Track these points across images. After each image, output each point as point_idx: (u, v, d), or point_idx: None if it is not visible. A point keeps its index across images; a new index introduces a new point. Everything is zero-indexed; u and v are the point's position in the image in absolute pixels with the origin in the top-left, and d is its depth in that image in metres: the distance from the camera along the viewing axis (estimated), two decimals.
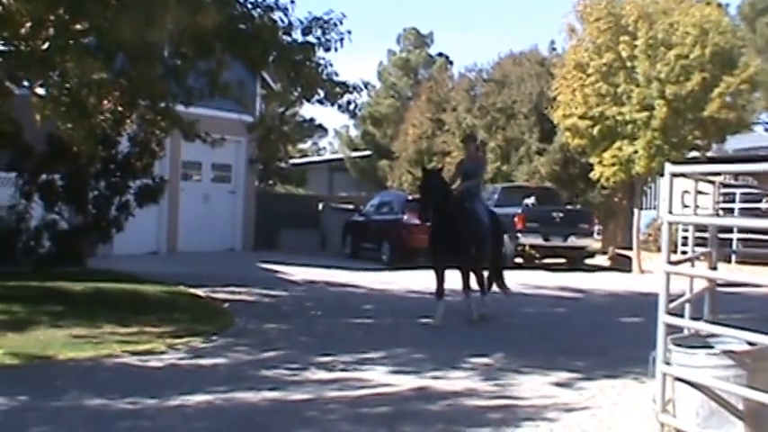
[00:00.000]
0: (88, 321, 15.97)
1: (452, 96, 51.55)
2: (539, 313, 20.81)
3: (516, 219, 33.54)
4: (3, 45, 17.88)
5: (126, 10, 16.41)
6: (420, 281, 25.30)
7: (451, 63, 64.77)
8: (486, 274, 19.14)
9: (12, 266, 21.93)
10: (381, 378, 12.50)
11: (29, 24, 17.21)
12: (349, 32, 19.75)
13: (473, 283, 18.54)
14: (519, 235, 33.47)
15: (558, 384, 12.25)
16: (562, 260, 33.82)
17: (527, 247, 33.57)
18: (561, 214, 34.54)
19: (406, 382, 12.18)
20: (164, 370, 12.17)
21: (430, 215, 17.89)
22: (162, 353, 13.92)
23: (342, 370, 13.02)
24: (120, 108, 19.74)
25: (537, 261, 33.38)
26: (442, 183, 18.45)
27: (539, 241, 33.61)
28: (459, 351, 14.42)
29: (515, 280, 26.33)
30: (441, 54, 67.16)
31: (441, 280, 18.04)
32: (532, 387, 12.02)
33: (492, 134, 46.21)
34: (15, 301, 17.74)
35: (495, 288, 19.64)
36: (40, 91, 19.10)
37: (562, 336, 17.10)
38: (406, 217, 32.83)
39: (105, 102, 19.30)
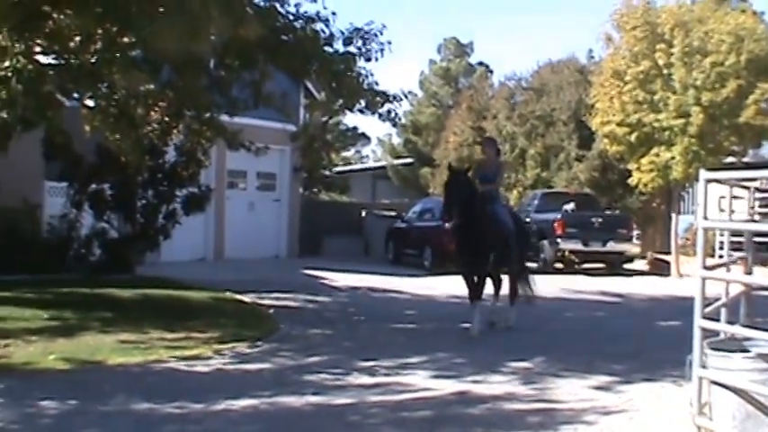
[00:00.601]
0: (136, 327, 16.02)
1: (492, 104, 51.53)
2: (578, 317, 20.75)
3: (556, 224, 33.56)
4: (53, 59, 17.95)
5: (171, 23, 16.45)
6: (461, 286, 25.24)
7: (491, 72, 64.69)
8: (507, 279, 18.42)
9: (64, 274, 22.03)
10: (423, 382, 12.49)
11: (78, 38, 17.30)
12: (389, 43, 19.76)
13: (485, 288, 17.88)
14: (559, 240, 33.44)
15: (597, 388, 12.22)
16: (601, 265, 33.73)
17: (567, 253, 33.50)
18: (600, 219, 34.46)
19: (447, 387, 12.16)
20: (210, 375, 12.19)
21: (453, 216, 17.15)
22: (208, 358, 13.96)
23: (384, 375, 13.02)
24: (166, 119, 19.82)
25: (576, 266, 33.29)
26: (468, 183, 17.38)
27: (578, 246, 33.54)
28: (499, 355, 14.40)
29: (556, 284, 26.42)
30: (481, 63, 67.08)
31: (472, 284, 17.40)
32: (571, 390, 11.99)
33: (532, 141, 46.20)
34: (67, 307, 17.82)
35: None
36: (90, 103, 19.22)
37: (601, 340, 17.01)
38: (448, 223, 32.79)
39: (152, 113, 19.41)
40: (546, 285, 25.96)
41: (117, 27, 17.39)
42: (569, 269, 33.01)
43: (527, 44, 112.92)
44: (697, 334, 8.85)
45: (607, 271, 33.18)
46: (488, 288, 17.87)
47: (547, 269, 33.01)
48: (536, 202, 36.80)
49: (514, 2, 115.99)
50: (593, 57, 46.63)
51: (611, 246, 33.90)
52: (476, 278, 17.41)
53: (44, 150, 22.30)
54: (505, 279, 18.51)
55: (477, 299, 17.14)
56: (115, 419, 10.31)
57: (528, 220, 34.93)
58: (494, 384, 12.35)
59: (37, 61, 16.72)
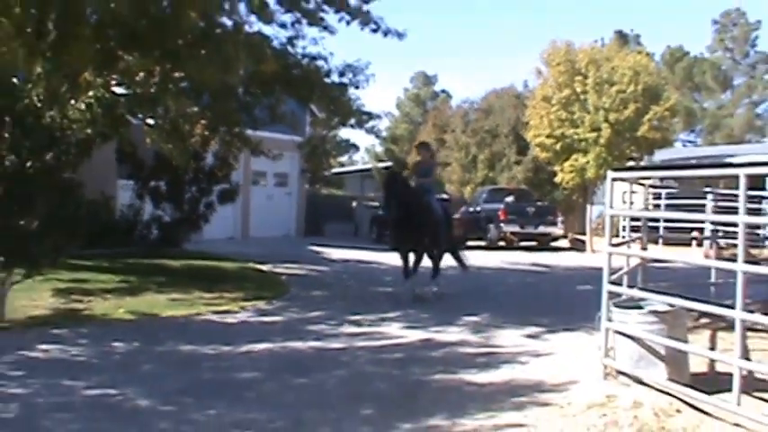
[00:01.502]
0: (182, 289, 16.11)
1: (451, 121, 51.55)
2: (515, 283, 20.83)
3: (500, 212, 33.62)
4: (124, 89, 18.08)
5: (210, 62, 16.60)
6: (426, 260, 25.39)
7: (451, 97, 65.15)
8: (441, 256, 17.31)
9: (130, 249, 22.10)
10: (397, 332, 12.61)
11: (142, 74, 17.42)
12: (373, 75, 19.93)
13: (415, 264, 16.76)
14: (501, 224, 33.54)
15: (529, 336, 12.36)
16: (534, 243, 33.76)
17: (508, 234, 33.59)
18: (533, 209, 34.50)
19: (415, 335, 12.31)
20: (236, 325, 12.35)
21: (392, 209, 16.26)
22: (236, 312, 14.07)
23: (368, 326, 13.12)
24: (206, 132, 19.91)
25: (515, 244, 33.35)
26: (402, 181, 16.88)
27: (516, 229, 33.57)
28: (455, 312, 14.47)
29: (499, 258, 26.52)
30: (443, 91, 67.46)
31: (406, 261, 16.38)
32: (509, 339, 12.10)
33: (481, 149, 46.36)
34: (132, 273, 17.92)
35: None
36: (150, 121, 19.40)
37: (532, 299, 17.11)
38: None
39: (195, 128, 19.49)
40: (491, 258, 26.18)
41: (170, 65, 17.54)
42: (510, 246, 33.04)
43: (477, 76, 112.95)
44: (605, 295, 9.00)
45: (538, 248, 33.25)
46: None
47: (492, 246, 33.14)
48: (484, 195, 36.91)
49: (469, 44, 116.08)
50: (527, 86, 46.73)
51: (542, 228, 33.97)
52: (409, 257, 16.42)
53: (117, 156, 22.39)
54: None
55: (408, 275, 16.33)
56: (167, 357, 10.48)
57: (479, 209, 35.17)
58: (451, 334, 12.48)
59: (112, 91, 16.83)
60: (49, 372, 9.37)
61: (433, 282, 16.90)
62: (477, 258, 26.05)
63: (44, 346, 10.80)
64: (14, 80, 12.92)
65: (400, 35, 19.71)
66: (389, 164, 58.82)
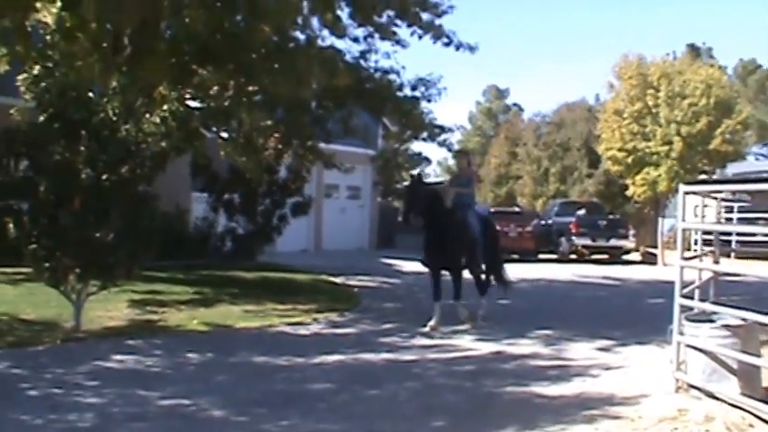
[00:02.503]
0: (256, 300, 16.17)
1: (523, 135, 51.65)
2: (587, 296, 20.60)
3: (571, 225, 33.48)
4: (199, 103, 18.23)
5: (284, 75, 16.66)
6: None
7: (522, 110, 64.91)
8: (483, 276, 15.50)
9: (204, 260, 22.26)
10: (468, 344, 12.54)
11: (216, 88, 17.55)
12: (445, 88, 19.90)
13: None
14: (573, 237, 33.35)
15: (600, 349, 12.22)
16: (605, 256, 33.48)
17: (579, 247, 33.38)
18: (605, 222, 34.26)
19: (487, 348, 12.22)
20: (309, 336, 12.35)
21: (410, 219, 14.87)
22: (308, 324, 14.09)
23: (439, 338, 13.08)
24: (279, 146, 20.01)
25: (586, 257, 33.11)
26: (430, 192, 14.94)
27: (588, 242, 33.38)
28: (526, 325, 14.35)
29: (570, 271, 26.31)
30: (515, 104, 67.19)
31: (435, 280, 14.87)
32: (581, 351, 11.99)
33: (553, 162, 46.28)
34: (206, 285, 18.03)
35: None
36: (224, 134, 19.51)
37: (603, 313, 16.93)
38: None
39: (269, 141, 19.60)
40: (562, 272, 25.98)
41: (244, 79, 17.62)
42: (581, 259, 32.85)
43: (549, 89, 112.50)
44: (677, 309, 8.89)
45: (609, 261, 32.96)
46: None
47: (563, 259, 32.94)
48: (556, 208, 36.85)
49: (540, 56, 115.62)
50: (598, 99, 46.54)
51: (613, 242, 33.68)
52: (439, 275, 14.82)
53: (191, 169, 22.60)
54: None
55: (436, 299, 14.51)
56: (240, 368, 10.50)
57: (550, 222, 34.98)
58: (522, 346, 12.38)
59: (187, 105, 17.02)
60: (123, 382, 9.43)
61: (481, 302, 15.24)
62: (548, 271, 25.97)
63: (119, 357, 10.88)
64: (91, 94, 13.06)
65: (472, 49, 19.62)
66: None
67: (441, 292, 14.59)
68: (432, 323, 13.90)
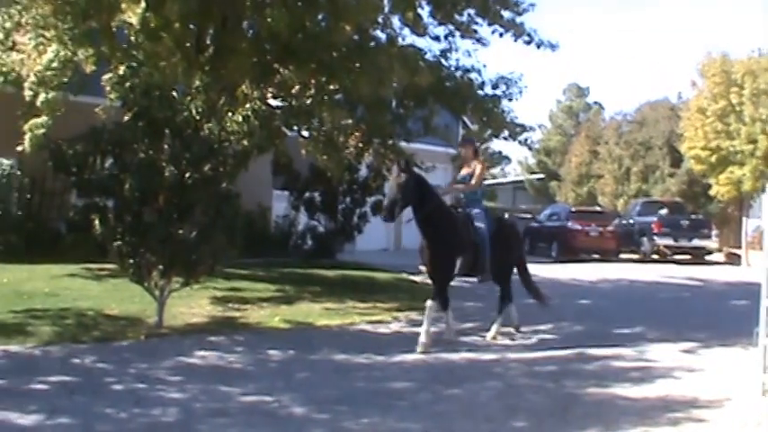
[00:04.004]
0: (337, 298, 16.20)
1: (604, 133, 51.20)
2: (669, 297, 20.32)
3: (653, 225, 33.19)
4: (280, 102, 18.36)
5: (365, 74, 16.70)
6: (581, 272, 25.11)
7: (603, 108, 64.39)
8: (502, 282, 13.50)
9: (285, 258, 22.38)
10: (549, 344, 12.44)
11: (297, 87, 17.67)
12: (526, 87, 19.75)
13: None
14: (655, 237, 33.01)
15: (684, 351, 12.04)
16: (688, 256, 33.05)
17: (661, 247, 33.02)
18: (687, 221, 33.85)
19: (568, 348, 12.09)
20: (389, 335, 12.33)
21: (390, 217, 12.17)
22: (389, 322, 14.10)
23: (520, 338, 13.00)
24: (360, 144, 20.00)
25: (669, 257, 32.72)
26: (421, 182, 12.42)
27: (670, 242, 33.04)
28: (609, 325, 14.23)
29: (653, 271, 25.99)
30: (596, 102, 66.60)
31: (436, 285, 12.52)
32: (664, 353, 11.79)
33: (634, 161, 45.82)
34: (287, 282, 18.09)
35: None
36: (305, 133, 19.63)
37: (687, 314, 16.68)
38: (570, 223, 32.78)
39: (350, 140, 19.64)
40: (645, 272, 25.67)
41: (325, 78, 17.74)
42: (663, 259, 32.48)
43: (630, 87, 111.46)
44: (763, 311, 8.73)
45: (692, 261, 32.53)
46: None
47: (645, 259, 32.60)
48: (638, 208, 36.53)
49: (621, 54, 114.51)
50: (681, 97, 45.95)
51: (696, 242, 33.30)
52: (439, 282, 12.47)
53: (272, 168, 22.80)
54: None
55: (443, 308, 12.41)
56: (321, 365, 10.52)
57: (632, 221, 34.63)
58: (604, 347, 12.20)
59: (268, 104, 17.14)
60: (206, 378, 9.50)
61: (496, 314, 13.37)
62: (629, 272, 25.68)
63: (201, 353, 10.97)
64: (174, 93, 13.18)
65: (553, 46, 19.49)
66: (541, 176, 58.58)
67: (448, 298, 12.46)
68: (445, 336, 12.39)
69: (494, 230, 12.93)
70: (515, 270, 13.81)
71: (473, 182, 13.24)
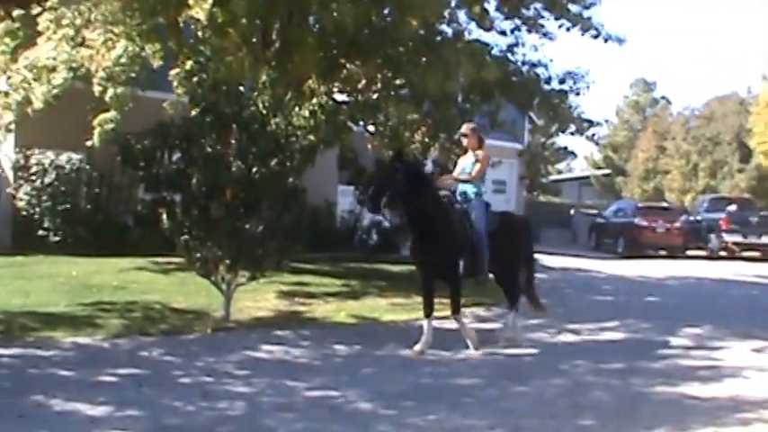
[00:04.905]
0: (403, 293, 16.15)
1: (671, 128, 50.71)
2: (739, 295, 20.01)
3: (721, 221, 32.69)
4: (346, 96, 18.39)
5: (431, 69, 16.69)
6: (647, 269, 24.85)
7: (670, 103, 63.85)
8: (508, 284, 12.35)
9: (351, 253, 22.40)
10: (616, 342, 12.32)
11: (363, 82, 17.68)
12: (593, 82, 19.60)
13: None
14: (723, 234, 32.55)
15: (754, 350, 11.86)
16: (757, 254, 32.54)
17: (729, 244, 32.55)
18: (757, 218, 33.29)
19: (635, 345, 11.97)
20: (455, 331, 12.21)
21: (379, 206, 11.04)
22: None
23: (587, 335, 12.91)
24: (426, 139, 19.96)
25: (737, 254, 32.25)
26: (415, 172, 11.40)
27: (739, 239, 32.52)
28: (676, 323, 14.01)
29: (721, 269, 25.63)
30: (663, 97, 66.01)
31: (425, 290, 11.59)
32: (732, 352, 11.64)
33: (702, 157, 45.37)
34: (353, 277, 18.11)
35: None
36: (371, 128, 19.62)
37: (757, 312, 16.37)
38: (636, 219, 32.39)
39: (416, 135, 19.61)
40: (712, 269, 25.34)
41: (391, 72, 17.74)
42: (731, 256, 32.02)
43: (698, 81, 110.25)
44: None
45: (761, 258, 32.04)
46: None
47: (713, 256, 32.17)
48: (705, 204, 36.03)
49: (689, 48, 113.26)
50: (750, 91, 45.40)
51: (765, 239, 32.73)
52: (430, 284, 11.55)
53: (338, 163, 22.84)
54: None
55: (426, 314, 11.34)
56: (387, 361, 10.53)
57: (699, 218, 34.18)
58: (671, 345, 12.10)
59: (334, 99, 17.17)
60: (272, 372, 9.54)
61: (505, 317, 12.44)
62: (697, 269, 25.37)
63: (268, 347, 11.03)
64: (241, 88, 13.25)
65: (621, 41, 19.33)
66: (607, 171, 58.13)
67: (433, 304, 11.43)
68: (417, 347, 11.06)
69: (495, 228, 11.80)
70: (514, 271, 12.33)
71: (473, 174, 11.99)
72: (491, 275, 12.10)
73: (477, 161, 12.02)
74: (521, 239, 12.42)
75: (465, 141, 12.43)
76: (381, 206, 11.07)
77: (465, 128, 12.65)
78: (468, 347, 11.17)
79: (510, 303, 12.18)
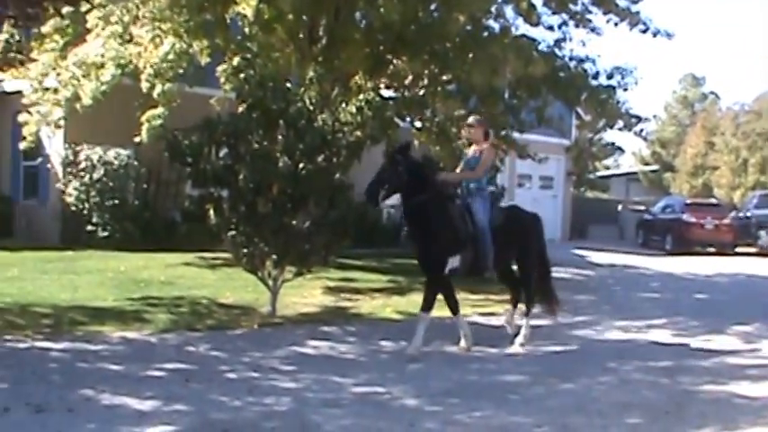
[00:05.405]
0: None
1: (721, 124, 50.26)
2: None
3: None
4: (393, 92, 18.43)
5: (478, 64, 16.67)
6: (696, 266, 24.64)
7: (720, 98, 63.33)
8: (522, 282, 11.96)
9: (397, 249, 22.41)
10: (664, 340, 12.20)
11: (410, 77, 17.70)
12: (641, 77, 19.52)
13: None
14: None
15: None
16: None
17: None
18: None
19: (683, 343, 11.86)
20: (501, 328, 12.20)
21: (377, 197, 10.56)
22: (500, 314, 13.86)
23: (635, 332, 12.79)
24: None
25: None
26: (411, 170, 10.66)
27: None
28: (725, 320, 13.88)
29: None
30: (712, 92, 65.52)
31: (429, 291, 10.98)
32: None
33: (752, 153, 44.98)
34: (399, 273, 18.08)
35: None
36: (418, 124, 19.65)
37: None
38: (685, 216, 32.07)
39: (462, 131, 19.62)
40: (762, 266, 25.07)
41: (438, 68, 17.75)
42: None
43: (748, 76, 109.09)
44: None
45: None
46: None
47: (763, 252, 31.81)
48: (755, 200, 35.57)
49: (739, 42, 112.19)
50: None
51: None
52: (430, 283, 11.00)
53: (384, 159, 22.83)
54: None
55: (424, 309, 10.75)
56: (433, 357, 10.49)
57: (749, 214, 33.79)
58: (720, 343, 11.95)
59: (381, 95, 17.20)
60: (318, 367, 9.56)
61: (524, 318, 11.76)
62: (746, 266, 25.11)
63: (314, 343, 11.05)
64: (288, 84, 13.30)
65: (669, 35, 19.20)
66: (655, 167, 57.72)
67: (433, 302, 10.88)
68: (411, 348, 10.52)
69: (500, 223, 11.18)
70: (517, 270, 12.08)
71: (477, 169, 11.36)
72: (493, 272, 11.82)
73: (480, 153, 11.45)
74: (528, 235, 11.87)
75: (470, 133, 12.04)
76: (379, 199, 10.67)
77: (472, 119, 12.26)
78: (461, 342, 10.99)
79: (525, 304, 11.79)
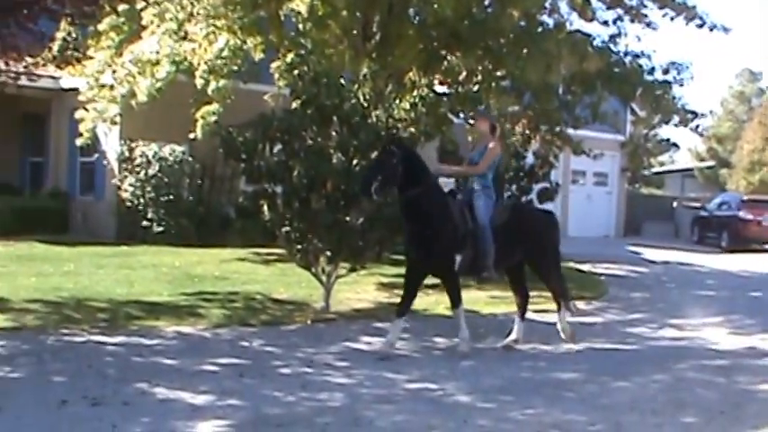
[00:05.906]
0: (502, 286, 15.99)
1: None
2: None
3: None
4: (447, 88, 18.41)
5: (532, 60, 16.63)
6: (752, 263, 24.39)
7: None
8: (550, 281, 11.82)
9: None
10: (720, 338, 12.11)
11: (464, 73, 17.68)
12: (697, 72, 19.34)
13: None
14: None
15: None
16: None
17: None
18: None
19: (740, 342, 11.77)
20: (554, 325, 12.12)
21: (371, 191, 9.99)
22: (554, 312, 13.89)
23: (689, 330, 12.71)
24: (527, 131, 19.89)
25: None
26: (405, 163, 10.11)
27: None
28: None
29: None
30: None
31: (408, 287, 10.76)
32: None
33: None
34: None
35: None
36: (471, 120, 19.58)
37: None
38: (741, 213, 31.72)
39: (517, 127, 19.56)
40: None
41: (492, 64, 17.71)
42: None
43: None
44: None
45: None
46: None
47: None
48: None
49: None
50: None
51: None
52: (415, 279, 10.76)
53: (438, 154, 22.80)
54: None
55: (400, 312, 10.53)
56: (486, 354, 10.52)
57: None
58: None
59: (435, 91, 17.19)
60: (371, 363, 9.59)
61: (558, 318, 11.63)
62: None
63: (367, 339, 11.09)
64: (342, 81, 13.33)
65: (726, 30, 19.00)
66: (711, 164, 57.21)
67: (411, 303, 10.78)
68: (382, 345, 10.36)
69: (502, 222, 10.80)
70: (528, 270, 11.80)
71: (480, 164, 10.91)
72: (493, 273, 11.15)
73: (485, 148, 10.99)
74: (538, 234, 11.55)
75: (476, 126, 11.92)
76: (372, 190, 10.05)
77: (476, 113, 12.43)
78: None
79: (558, 301, 11.61)
